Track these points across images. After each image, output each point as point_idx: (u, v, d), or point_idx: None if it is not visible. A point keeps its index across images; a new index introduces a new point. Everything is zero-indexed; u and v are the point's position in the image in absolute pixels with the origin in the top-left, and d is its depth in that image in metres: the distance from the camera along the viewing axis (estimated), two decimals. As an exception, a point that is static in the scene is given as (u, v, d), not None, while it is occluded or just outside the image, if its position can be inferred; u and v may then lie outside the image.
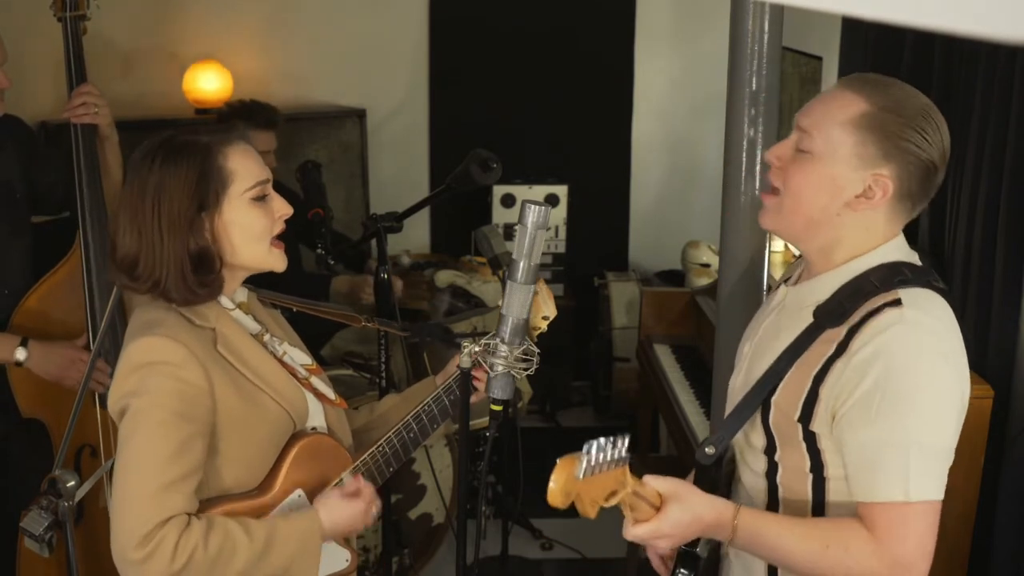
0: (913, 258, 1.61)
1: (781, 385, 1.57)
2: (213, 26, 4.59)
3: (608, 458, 1.36)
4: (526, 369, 1.65)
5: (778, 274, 3.40)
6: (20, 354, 2.57)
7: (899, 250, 1.59)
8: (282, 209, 1.77)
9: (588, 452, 1.34)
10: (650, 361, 3.74)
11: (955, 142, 2.75)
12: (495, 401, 1.69)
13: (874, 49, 3.29)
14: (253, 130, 3.49)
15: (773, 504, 1.63)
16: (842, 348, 1.51)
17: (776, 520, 1.57)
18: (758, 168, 2.14)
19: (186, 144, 1.70)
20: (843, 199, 1.54)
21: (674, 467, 3.42)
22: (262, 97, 3.75)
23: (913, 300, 1.51)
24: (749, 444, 1.65)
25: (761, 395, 1.59)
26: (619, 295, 4.69)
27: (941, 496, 1.50)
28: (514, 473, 3.59)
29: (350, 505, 1.79)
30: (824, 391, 1.52)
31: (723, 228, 2.23)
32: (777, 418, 1.58)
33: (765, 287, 2.23)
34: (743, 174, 2.15)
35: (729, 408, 1.70)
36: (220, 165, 1.70)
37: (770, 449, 1.61)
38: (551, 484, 1.34)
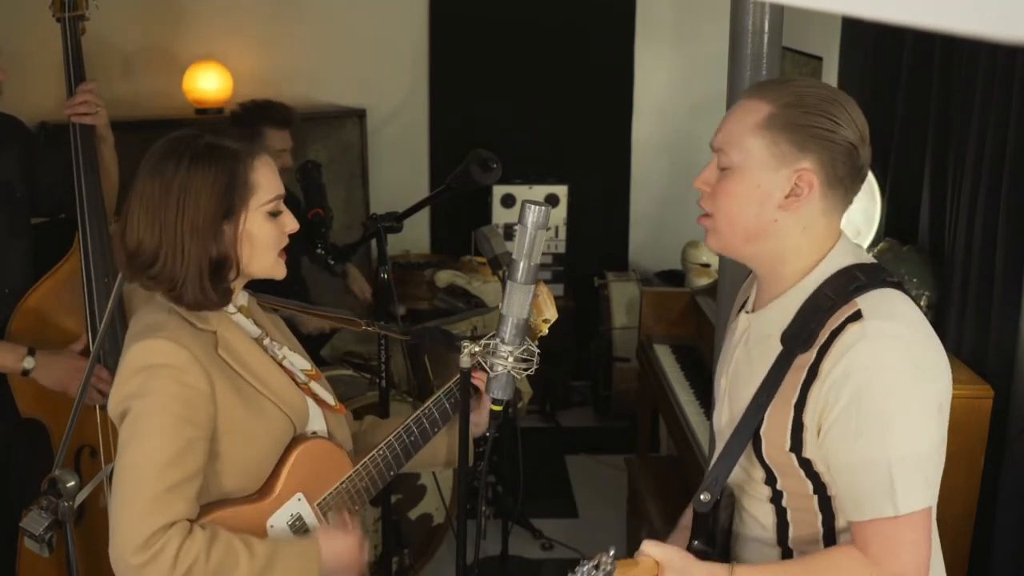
0: (861, 255, 1.60)
1: (765, 418, 1.57)
2: (213, 26, 4.59)
3: None
4: (526, 369, 1.65)
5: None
6: (28, 363, 2.57)
7: (846, 253, 1.58)
8: (290, 225, 1.79)
9: None
10: (650, 361, 3.74)
11: (955, 142, 2.75)
12: (495, 401, 1.69)
13: (874, 49, 3.29)
14: (271, 129, 3.49)
15: (783, 527, 1.63)
16: (813, 372, 1.50)
17: (771, 570, 1.58)
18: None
19: (216, 148, 1.70)
20: (773, 203, 1.53)
21: (674, 467, 3.43)
22: (262, 97, 3.75)
23: (872, 308, 1.50)
24: (749, 477, 1.64)
25: (748, 432, 1.58)
26: (619, 295, 4.69)
27: (930, 502, 1.50)
28: (514, 473, 3.59)
29: (346, 537, 1.79)
30: (807, 418, 1.52)
31: (723, 228, 2.23)
32: (769, 451, 1.57)
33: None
34: (743, 174, 2.15)
35: (719, 445, 1.69)
36: (247, 175, 1.71)
37: (770, 479, 1.61)
38: None
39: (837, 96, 1.55)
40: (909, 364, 1.48)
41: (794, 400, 1.52)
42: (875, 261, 1.61)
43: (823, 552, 1.57)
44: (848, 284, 1.53)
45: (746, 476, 1.65)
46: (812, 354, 1.51)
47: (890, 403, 1.46)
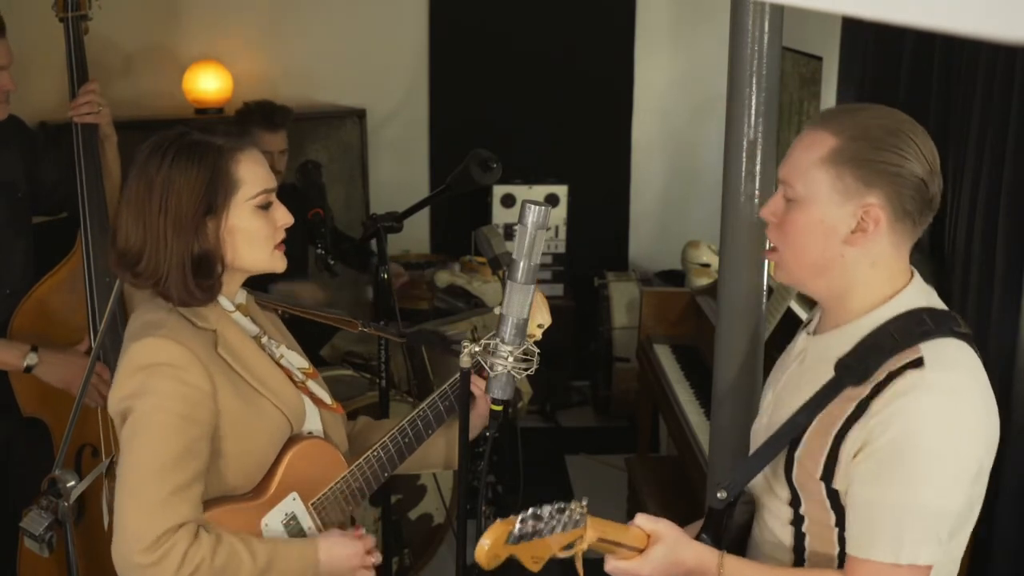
0: (933, 299, 1.57)
1: (803, 442, 1.56)
2: (213, 26, 4.59)
3: (551, 526, 1.40)
4: (526, 369, 1.65)
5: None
6: (30, 359, 2.57)
7: (918, 295, 1.56)
8: (284, 219, 1.78)
9: (523, 521, 1.38)
10: (650, 361, 3.74)
11: (955, 143, 2.75)
12: (495, 401, 1.69)
13: (874, 49, 3.29)
14: (270, 132, 3.47)
15: (799, 552, 1.62)
16: (862, 408, 1.48)
17: (760, 570, 1.59)
18: (758, 168, 2.14)
19: (199, 144, 1.70)
20: (838, 238, 1.52)
21: (674, 467, 3.43)
22: (262, 97, 3.75)
23: (935, 358, 1.47)
24: (774, 494, 1.64)
25: (779, 446, 1.58)
26: (619, 295, 4.69)
27: (935, 560, 1.48)
28: (514, 473, 3.59)
29: (349, 544, 1.78)
30: (843, 452, 1.50)
31: (723, 228, 2.23)
32: (800, 475, 1.57)
33: (765, 288, 2.22)
34: (743, 174, 2.15)
35: (752, 451, 1.70)
36: (230, 170, 1.70)
37: (795, 502, 1.60)
38: (480, 542, 1.38)
39: (904, 127, 1.51)
40: (959, 423, 1.46)
41: (835, 431, 1.51)
42: (946, 308, 1.58)
43: (815, 570, 1.58)
44: (915, 328, 1.50)
45: (771, 493, 1.64)
46: (865, 390, 1.49)
47: (927, 456, 1.44)
